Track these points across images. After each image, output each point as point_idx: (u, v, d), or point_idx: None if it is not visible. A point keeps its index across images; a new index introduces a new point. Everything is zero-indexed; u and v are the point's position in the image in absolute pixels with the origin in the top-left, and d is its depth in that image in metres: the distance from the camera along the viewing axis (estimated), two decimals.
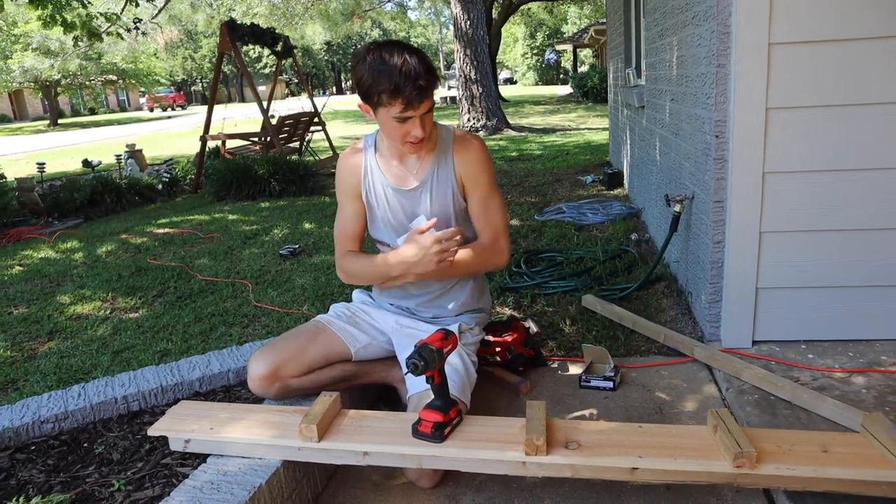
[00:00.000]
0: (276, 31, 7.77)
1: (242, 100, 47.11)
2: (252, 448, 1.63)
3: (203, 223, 5.45)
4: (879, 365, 2.16)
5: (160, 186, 6.97)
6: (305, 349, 1.93)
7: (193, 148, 11.62)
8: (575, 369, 2.40)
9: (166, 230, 5.22)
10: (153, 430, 1.72)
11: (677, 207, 2.66)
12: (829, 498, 1.52)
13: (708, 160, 2.29)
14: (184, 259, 4.23)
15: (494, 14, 21.62)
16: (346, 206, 2.03)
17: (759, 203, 2.18)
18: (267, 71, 43.30)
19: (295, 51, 8.25)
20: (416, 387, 1.84)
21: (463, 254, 1.86)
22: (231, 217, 5.64)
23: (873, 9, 1.98)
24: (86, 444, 1.94)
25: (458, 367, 1.87)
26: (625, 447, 1.52)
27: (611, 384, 2.21)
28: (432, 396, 1.75)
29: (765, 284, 2.27)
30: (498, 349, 2.34)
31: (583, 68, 29.99)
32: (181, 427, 1.71)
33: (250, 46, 7.45)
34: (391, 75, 1.62)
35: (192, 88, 59.72)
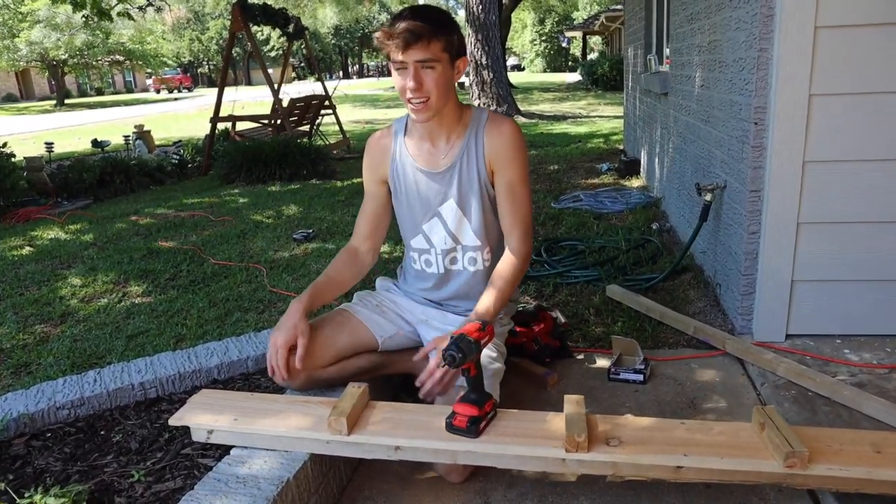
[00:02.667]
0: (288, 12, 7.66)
1: (249, 82, 46.73)
2: (278, 440, 1.57)
3: (214, 206, 5.38)
4: None
5: (169, 168, 6.90)
6: (332, 338, 1.87)
7: (201, 130, 11.53)
8: (602, 361, 2.34)
9: (177, 212, 5.16)
10: (174, 420, 1.67)
11: (708, 196, 2.58)
12: (880, 500, 1.46)
13: (745, 148, 2.21)
14: (195, 242, 4.17)
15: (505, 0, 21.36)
16: (369, 192, 1.99)
17: (797, 193, 2.11)
18: (274, 54, 43.02)
19: (306, 32, 8.14)
20: None
21: (504, 280, 1.80)
22: (242, 200, 5.57)
23: None
24: (102, 432, 1.90)
25: (485, 358, 1.81)
26: (668, 445, 1.46)
27: (641, 377, 2.15)
28: (462, 392, 1.69)
29: (800, 277, 2.20)
30: (524, 340, 2.28)
31: (592, 55, 29.72)
32: (203, 417, 1.65)
33: (258, 28, 7.32)
34: (394, 19, 1.64)
35: (199, 70, 59.43)
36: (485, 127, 1.82)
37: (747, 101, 2.16)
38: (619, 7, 23.03)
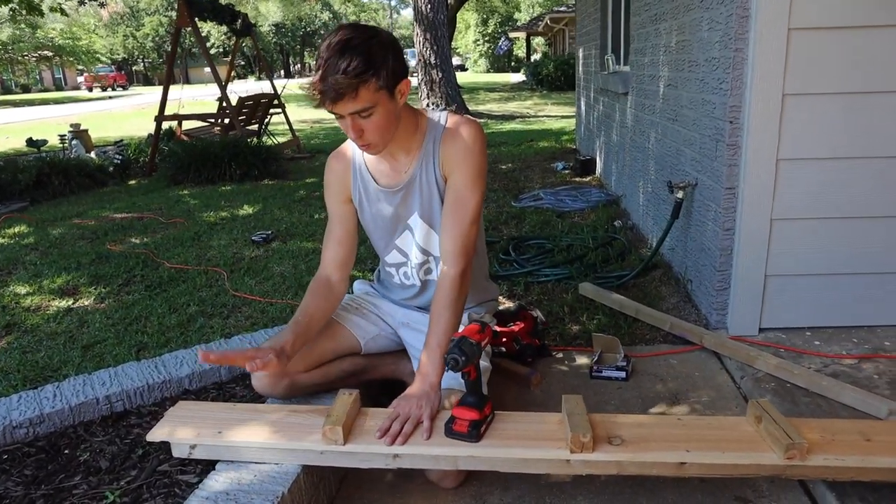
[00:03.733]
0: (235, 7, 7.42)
1: (187, 81, 45.20)
2: (268, 452, 1.49)
3: (163, 207, 5.16)
4: (884, 350, 2.18)
5: (111, 169, 6.58)
6: (314, 342, 1.79)
7: (140, 130, 11.07)
8: (581, 359, 2.34)
9: (124, 214, 4.92)
10: (153, 436, 1.56)
11: (680, 194, 2.62)
12: (869, 486, 1.50)
13: (719, 146, 2.25)
14: (147, 246, 3.98)
15: None
16: (334, 216, 1.83)
17: (771, 190, 2.16)
18: (213, 52, 41.74)
19: (254, 29, 7.92)
20: None
21: (443, 312, 1.62)
22: (192, 201, 5.36)
23: None
24: (67, 451, 1.77)
25: None
26: (669, 441, 1.46)
27: (623, 374, 2.16)
28: (450, 396, 1.65)
29: (773, 272, 2.25)
30: (504, 339, 2.26)
31: (535, 56, 30.13)
32: (185, 431, 1.56)
33: (201, 24, 6.92)
34: (317, 65, 1.45)
35: (134, 68, 57.16)
36: (442, 133, 1.69)
37: (722, 100, 2.20)
38: (563, 8, 23.43)
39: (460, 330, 1.51)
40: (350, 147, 1.81)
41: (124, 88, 43.18)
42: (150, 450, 1.74)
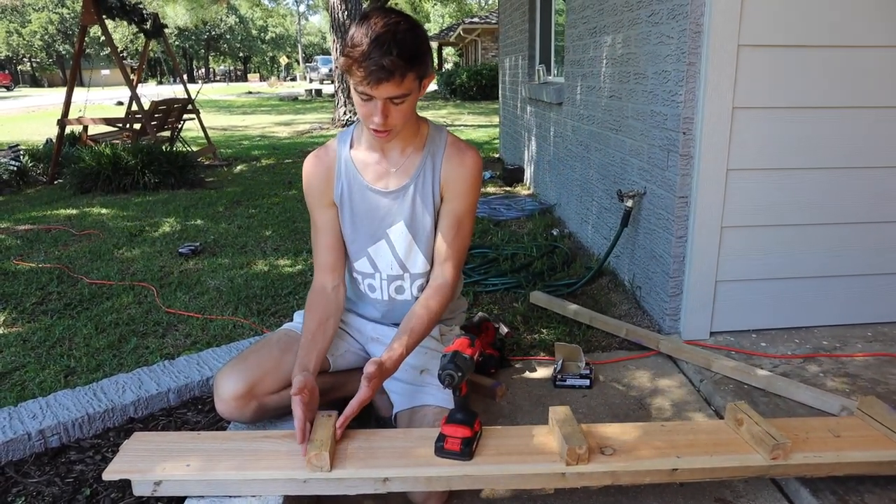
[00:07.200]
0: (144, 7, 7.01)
1: (81, 84, 42.32)
2: (246, 485, 1.38)
3: (73, 218, 4.77)
4: (823, 350, 2.31)
5: (6, 177, 6.02)
6: (282, 361, 1.68)
7: (34, 134, 10.24)
8: (541, 368, 2.34)
9: (27, 226, 4.50)
10: (110, 474, 1.40)
11: (629, 203, 2.69)
12: (837, 479, 1.57)
13: (671, 156, 2.32)
14: (60, 260, 3.65)
15: (366, 6, 21.23)
16: (319, 222, 1.76)
17: (721, 199, 2.25)
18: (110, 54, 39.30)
19: (165, 30, 7.51)
20: (404, 403, 1.71)
21: (431, 313, 1.65)
22: (105, 212, 4.99)
23: (833, 19, 2.11)
24: None
25: None
26: (659, 448, 1.47)
27: (587, 382, 2.17)
28: (426, 414, 1.61)
29: (723, 277, 2.35)
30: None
31: (447, 65, 30.45)
32: (147, 466, 1.41)
33: (96, 29, 6.38)
34: (365, 41, 1.39)
35: (19, 68, 52.91)
36: (445, 149, 1.69)
37: (675, 111, 2.27)
38: (475, 19, 23.81)
39: (451, 345, 1.46)
40: (334, 145, 1.74)
41: (9, 89, 39.95)
42: (99, 488, 1.57)
